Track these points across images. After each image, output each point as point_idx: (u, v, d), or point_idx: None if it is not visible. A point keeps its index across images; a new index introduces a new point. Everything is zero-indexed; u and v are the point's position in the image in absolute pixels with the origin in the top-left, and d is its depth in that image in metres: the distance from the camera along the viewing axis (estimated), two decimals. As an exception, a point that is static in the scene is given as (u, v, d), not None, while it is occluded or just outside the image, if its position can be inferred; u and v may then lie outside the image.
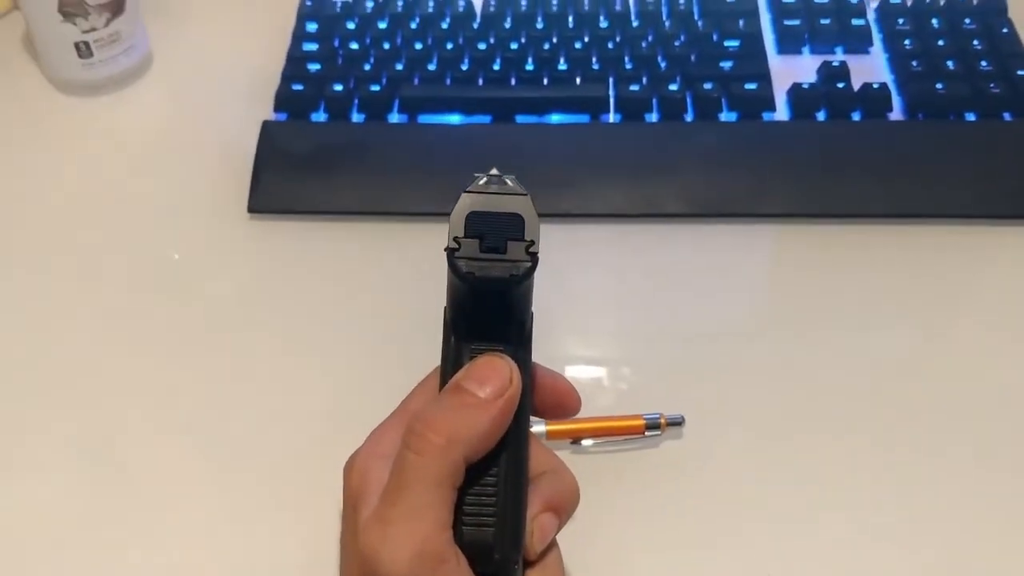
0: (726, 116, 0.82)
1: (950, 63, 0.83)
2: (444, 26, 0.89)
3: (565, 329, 0.73)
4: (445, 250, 0.48)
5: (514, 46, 0.87)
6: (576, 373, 0.70)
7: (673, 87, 0.83)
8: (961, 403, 0.68)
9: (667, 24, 0.88)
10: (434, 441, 0.47)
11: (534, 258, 0.48)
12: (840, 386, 0.69)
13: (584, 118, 0.83)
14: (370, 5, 0.90)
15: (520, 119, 0.83)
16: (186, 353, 0.73)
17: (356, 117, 0.84)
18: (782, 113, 0.83)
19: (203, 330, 0.74)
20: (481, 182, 0.48)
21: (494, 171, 0.49)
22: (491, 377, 0.48)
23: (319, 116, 0.84)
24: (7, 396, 0.71)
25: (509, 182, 0.49)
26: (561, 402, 0.55)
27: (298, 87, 0.84)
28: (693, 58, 0.85)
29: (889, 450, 0.66)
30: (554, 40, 0.87)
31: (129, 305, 0.75)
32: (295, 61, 0.87)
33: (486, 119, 0.83)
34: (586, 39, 0.87)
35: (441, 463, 0.47)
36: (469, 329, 0.51)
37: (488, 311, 0.50)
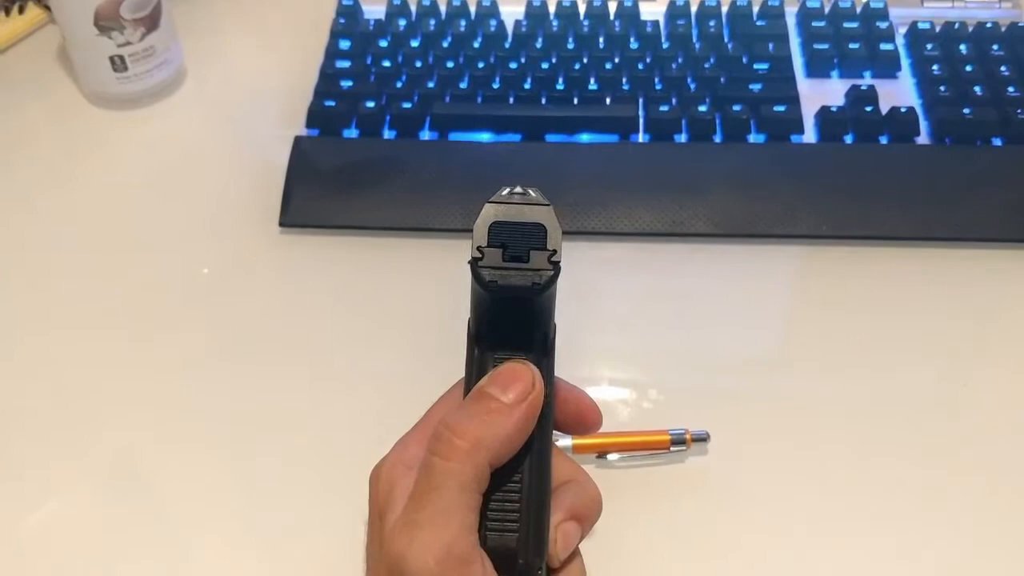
0: (755, 138, 0.83)
1: (978, 89, 0.84)
2: (476, 45, 0.89)
3: (590, 346, 0.73)
4: (469, 261, 0.48)
5: (545, 66, 0.87)
6: (600, 390, 0.71)
7: (702, 108, 0.84)
8: (987, 427, 0.68)
9: (697, 46, 0.89)
10: (459, 445, 0.47)
11: (556, 267, 0.48)
12: (866, 407, 0.69)
13: (613, 138, 0.83)
14: (403, 23, 0.91)
15: (550, 138, 0.84)
16: (215, 366, 0.73)
17: (388, 134, 0.84)
18: (810, 136, 0.83)
19: (233, 343, 0.74)
20: (504, 193, 0.49)
21: (518, 188, 0.49)
22: (514, 382, 0.49)
23: (351, 132, 0.85)
24: (34, 411, 0.72)
25: (532, 193, 0.49)
26: (583, 417, 0.55)
27: (330, 103, 0.85)
28: (723, 80, 0.86)
29: (916, 473, 0.66)
30: (585, 60, 0.88)
31: (159, 318, 0.76)
32: (328, 78, 0.88)
33: (516, 137, 0.84)
34: (616, 60, 0.88)
35: (467, 467, 0.47)
36: (492, 338, 0.51)
37: (511, 320, 0.50)
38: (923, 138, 0.82)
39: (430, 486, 0.47)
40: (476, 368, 0.51)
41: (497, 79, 0.87)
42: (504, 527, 0.49)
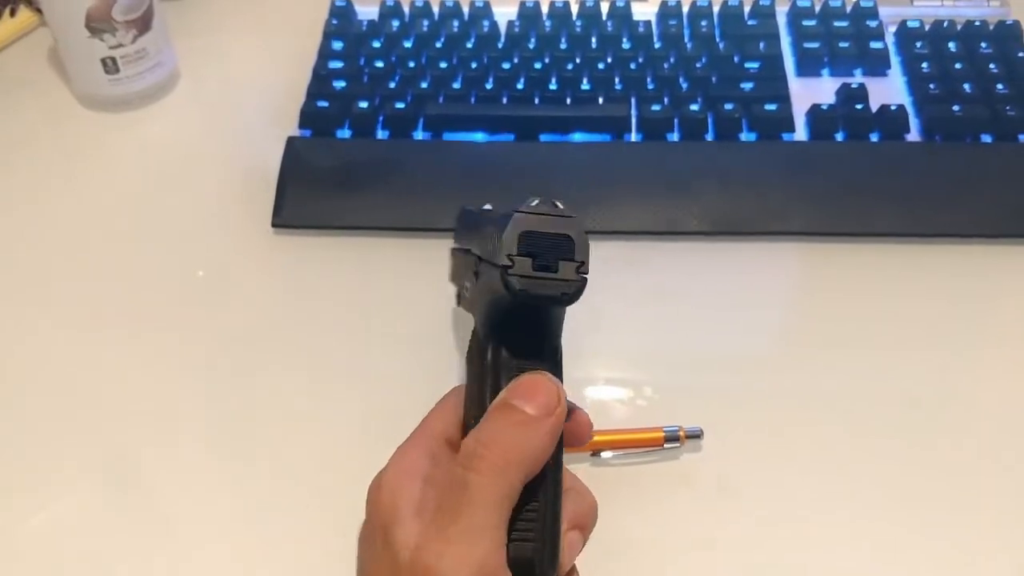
0: (746, 136, 0.83)
1: (967, 86, 0.84)
2: (469, 46, 0.90)
3: (584, 345, 0.73)
4: (498, 265, 0.48)
5: (538, 66, 0.88)
6: (595, 389, 0.71)
7: (694, 108, 0.84)
8: (981, 422, 0.69)
9: (689, 46, 0.89)
10: (495, 462, 0.47)
11: (584, 278, 0.49)
12: (859, 402, 0.70)
13: (606, 137, 0.84)
14: (396, 24, 0.92)
15: (543, 138, 0.84)
16: (210, 367, 0.73)
17: (381, 134, 0.85)
18: (801, 134, 0.84)
19: (227, 344, 0.74)
20: (533, 204, 0.49)
21: (546, 199, 0.50)
22: (539, 395, 0.49)
23: (344, 133, 0.85)
24: (28, 412, 0.71)
25: (559, 205, 0.50)
26: (579, 431, 0.56)
27: (323, 104, 0.85)
28: (714, 79, 0.86)
29: (911, 469, 0.66)
30: (577, 61, 0.88)
31: (153, 319, 0.76)
32: (321, 78, 0.88)
33: (510, 137, 0.84)
34: (609, 60, 0.88)
35: (502, 484, 0.47)
36: (509, 347, 0.52)
37: (531, 330, 0.52)
38: (913, 135, 0.83)
39: (463, 500, 0.47)
40: (490, 377, 0.52)
41: (490, 79, 0.87)
42: (524, 538, 0.49)
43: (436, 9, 0.93)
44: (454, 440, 0.53)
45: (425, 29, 0.91)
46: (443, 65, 0.88)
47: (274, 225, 0.80)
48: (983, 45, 0.88)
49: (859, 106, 0.83)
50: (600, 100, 0.85)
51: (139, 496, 0.67)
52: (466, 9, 0.93)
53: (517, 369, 0.51)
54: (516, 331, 0.51)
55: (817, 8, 0.92)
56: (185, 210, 0.83)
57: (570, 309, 0.73)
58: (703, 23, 0.91)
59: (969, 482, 0.66)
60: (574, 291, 0.49)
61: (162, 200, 0.84)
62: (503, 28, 0.91)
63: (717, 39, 0.90)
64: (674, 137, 0.84)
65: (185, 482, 0.67)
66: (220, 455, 0.69)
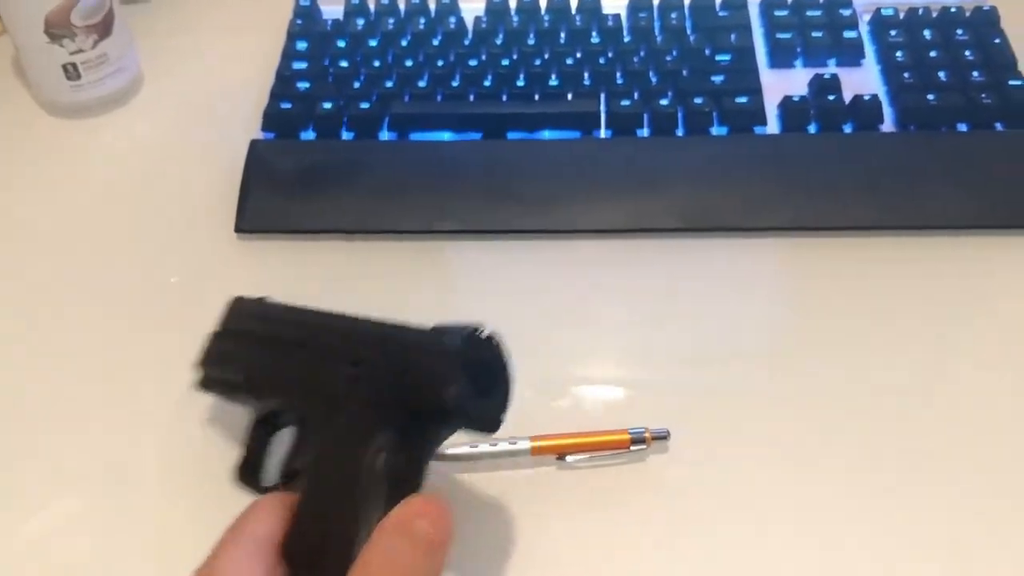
0: (717, 130, 0.82)
1: (942, 74, 0.83)
2: (435, 43, 0.88)
3: (553, 344, 0.72)
4: (437, 379, 0.53)
5: (505, 62, 0.86)
6: (564, 389, 0.70)
7: (664, 102, 0.83)
8: (959, 417, 0.67)
9: (659, 39, 0.88)
10: None
11: (504, 416, 0.55)
12: (833, 400, 0.68)
13: (575, 134, 0.82)
14: (361, 23, 0.90)
15: (511, 135, 0.83)
16: (173, 374, 0.72)
17: (346, 135, 0.83)
18: (773, 127, 0.82)
19: (190, 351, 0.73)
20: (478, 332, 0.55)
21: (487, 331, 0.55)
22: (439, 519, 0.50)
23: (308, 134, 0.83)
24: (15, 415, 0.71)
25: (494, 340, 0.55)
26: None
27: (287, 105, 0.84)
28: (685, 73, 0.85)
29: (885, 466, 0.65)
30: (546, 56, 0.87)
31: (114, 328, 0.75)
32: (284, 80, 0.86)
33: (477, 135, 0.83)
34: (578, 55, 0.87)
35: None
36: (398, 456, 0.53)
37: (441, 439, 0.56)
38: (888, 126, 0.81)
39: None
40: (378, 483, 0.52)
41: (457, 77, 0.86)
42: None
43: (402, 6, 0.92)
44: (278, 546, 0.52)
45: (391, 27, 0.90)
46: (409, 63, 0.87)
47: (237, 230, 0.79)
48: (959, 32, 0.86)
49: (832, 97, 0.82)
50: (569, 96, 0.84)
51: (123, 494, 0.67)
52: (432, 6, 0.91)
53: (404, 477, 0.53)
54: (413, 440, 0.54)
55: (790, -2, 0.91)
56: (147, 216, 0.82)
57: (538, 308, 0.73)
58: (673, 15, 0.89)
59: (948, 477, 0.65)
60: (500, 421, 0.54)
61: (123, 206, 0.83)
62: (470, 24, 0.90)
63: (688, 31, 0.88)
64: (644, 132, 0.82)
65: (163, 481, 0.67)
66: (195, 459, 0.68)
